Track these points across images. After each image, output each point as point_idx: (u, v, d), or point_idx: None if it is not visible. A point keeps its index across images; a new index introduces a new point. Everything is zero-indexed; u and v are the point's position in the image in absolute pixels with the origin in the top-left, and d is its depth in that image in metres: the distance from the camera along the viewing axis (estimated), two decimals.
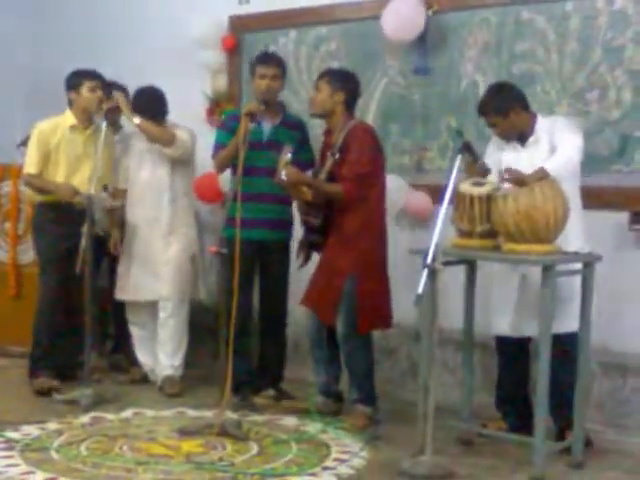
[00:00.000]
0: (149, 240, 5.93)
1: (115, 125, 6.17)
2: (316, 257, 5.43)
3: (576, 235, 4.71)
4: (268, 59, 5.54)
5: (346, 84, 5.26)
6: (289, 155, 5.12)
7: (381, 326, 5.32)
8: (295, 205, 5.50)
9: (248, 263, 5.32)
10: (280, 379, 5.71)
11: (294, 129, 5.58)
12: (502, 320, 4.90)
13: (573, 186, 4.74)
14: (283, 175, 5.09)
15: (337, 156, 5.16)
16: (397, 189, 5.78)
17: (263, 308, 5.66)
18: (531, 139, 4.83)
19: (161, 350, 5.94)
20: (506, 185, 4.58)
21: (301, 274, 5.51)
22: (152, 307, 5.96)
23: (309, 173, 5.33)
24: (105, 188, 5.81)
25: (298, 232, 5.58)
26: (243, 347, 5.41)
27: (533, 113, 4.89)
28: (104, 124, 5.67)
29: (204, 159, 5.84)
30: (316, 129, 5.71)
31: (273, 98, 5.49)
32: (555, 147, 4.69)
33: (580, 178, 4.81)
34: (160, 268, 5.89)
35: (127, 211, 5.99)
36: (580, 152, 4.65)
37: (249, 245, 5.28)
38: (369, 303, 5.15)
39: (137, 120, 5.76)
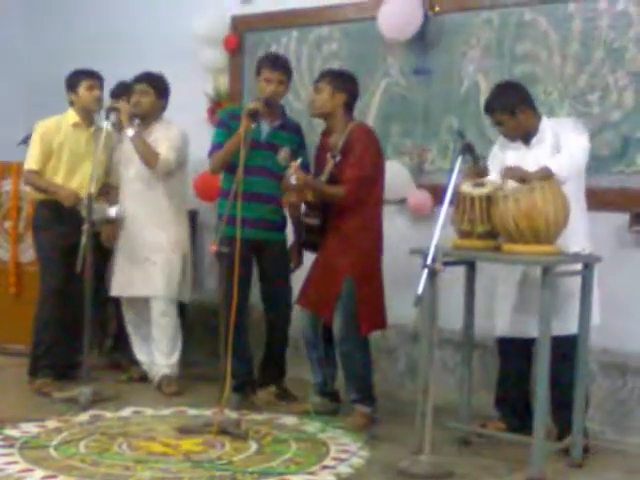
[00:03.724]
0: (138, 235, 5.89)
1: (119, 126, 6.14)
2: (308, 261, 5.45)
3: (580, 236, 4.70)
4: (276, 63, 5.46)
5: (347, 85, 5.24)
6: (299, 159, 5.13)
7: (379, 326, 5.32)
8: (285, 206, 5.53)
9: (244, 262, 5.26)
10: (282, 377, 5.71)
11: (292, 133, 5.57)
12: (503, 321, 4.90)
13: (578, 187, 4.74)
14: (293, 179, 5.08)
15: (338, 158, 5.13)
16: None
17: (268, 307, 5.63)
18: (535, 139, 4.81)
19: (156, 349, 5.91)
20: (508, 183, 4.58)
21: (298, 273, 5.53)
22: (147, 304, 5.93)
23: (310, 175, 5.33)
24: (103, 190, 5.82)
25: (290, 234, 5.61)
26: (241, 347, 5.40)
27: (539, 113, 4.88)
28: (106, 124, 5.68)
29: (204, 159, 5.83)
30: (318, 129, 5.70)
31: (276, 101, 5.48)
32: (560, 148, 4.67)
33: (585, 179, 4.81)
34: (151, 265, 5.86)
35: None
36: (586, 154, 4.63)
37: (244, 244, 5.21)
38: (368, 304, 5.15)
39: (131, 133, 5.76)
